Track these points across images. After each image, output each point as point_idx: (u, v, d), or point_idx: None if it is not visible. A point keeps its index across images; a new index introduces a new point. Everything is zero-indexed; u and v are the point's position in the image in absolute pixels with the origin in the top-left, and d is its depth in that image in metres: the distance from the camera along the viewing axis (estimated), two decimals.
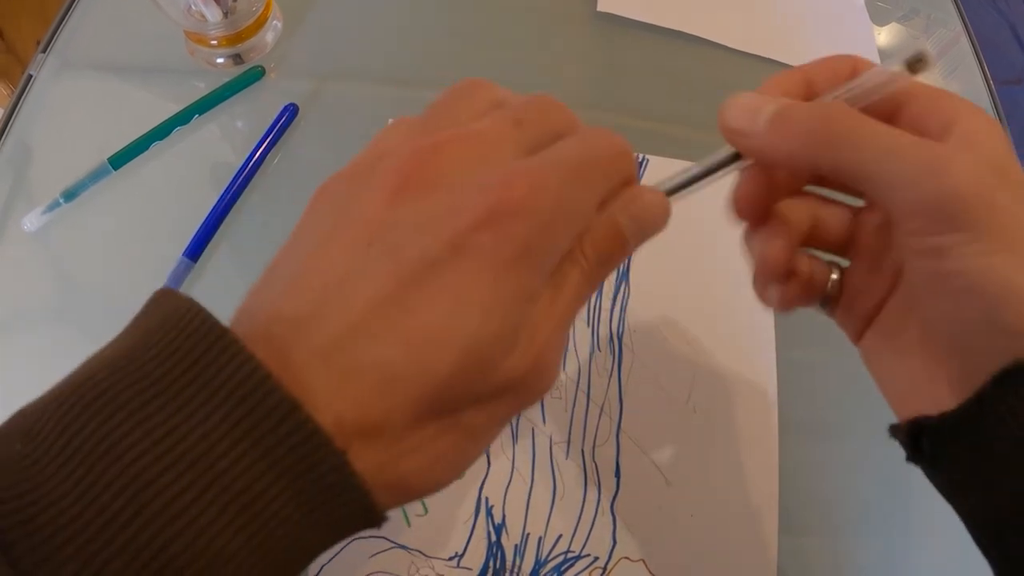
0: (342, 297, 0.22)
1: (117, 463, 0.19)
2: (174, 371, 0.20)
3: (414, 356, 0.22)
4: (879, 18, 0.68)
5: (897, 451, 0.29)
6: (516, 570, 0.43)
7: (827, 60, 0.32)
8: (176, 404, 0.20)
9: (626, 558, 0.43)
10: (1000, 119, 0.64)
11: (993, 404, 0.25)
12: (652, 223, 0.29)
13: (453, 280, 0.22)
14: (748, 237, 0.34)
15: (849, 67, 0.31)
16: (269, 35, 0.58)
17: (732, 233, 0.51)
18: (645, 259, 0.51)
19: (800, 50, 0.63)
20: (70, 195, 0.51)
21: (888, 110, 0.29)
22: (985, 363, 0.25)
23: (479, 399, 0.24)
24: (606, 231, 0.27)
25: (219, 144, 0.55)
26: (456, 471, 0.25)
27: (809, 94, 0.32)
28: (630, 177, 0.29)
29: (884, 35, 0.68)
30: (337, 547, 0.27)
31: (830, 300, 0.34)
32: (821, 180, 0.34)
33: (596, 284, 0.28)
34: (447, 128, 0.26)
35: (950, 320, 0.27)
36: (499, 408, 0.25)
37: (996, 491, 0.26)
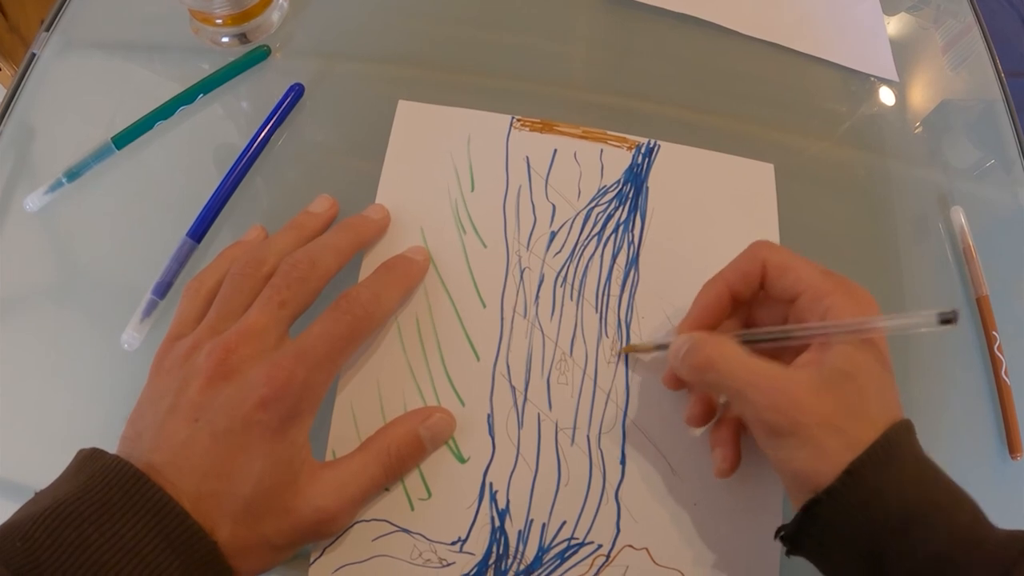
0: (186, 455, 0.37)
1: (85, 553, 0.32)
2: (117, 499, 0.33)
3: (228, 487, 0.36)
4: (889, 7, 0.68)
5: None
6: (519, 556, 0.43)
7: (739, 263, 0.44)
8: (120, 520, 0.33)
9: (630, 546, 0.43)
10: (1011, 112, 0.64)
11: (803, 531, 0.38)
12: (442, 434, 0.45)
13: (247, 442, 0.37)
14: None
15: (759, 269, 0.42)
16: (275, 14, 0.57)
17: (740, 224, 0.52)
18: (654, 247, 0.51)
19: (810, 37, 0.63)
20: (73, 175, 0.51)
21: (790, 297, 0.41)
22: (798, 495, 0.38)
23: (275, 515, 0.38)
24: (408, 439, 0.43)
25: (224, 124, 0.54)
26: (275, 554, 0.39)
27: (733, 295, 0.44)
28: (367, 332, 0.44)
29: (894, 23, 0.67)
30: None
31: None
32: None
33: (392, 477, 0.43)
34: (233, 323, 0.41)
35: (776, 469, 0.40)
36: (285, 525, 0.38)
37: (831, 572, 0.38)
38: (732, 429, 0.44)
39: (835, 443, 0.36)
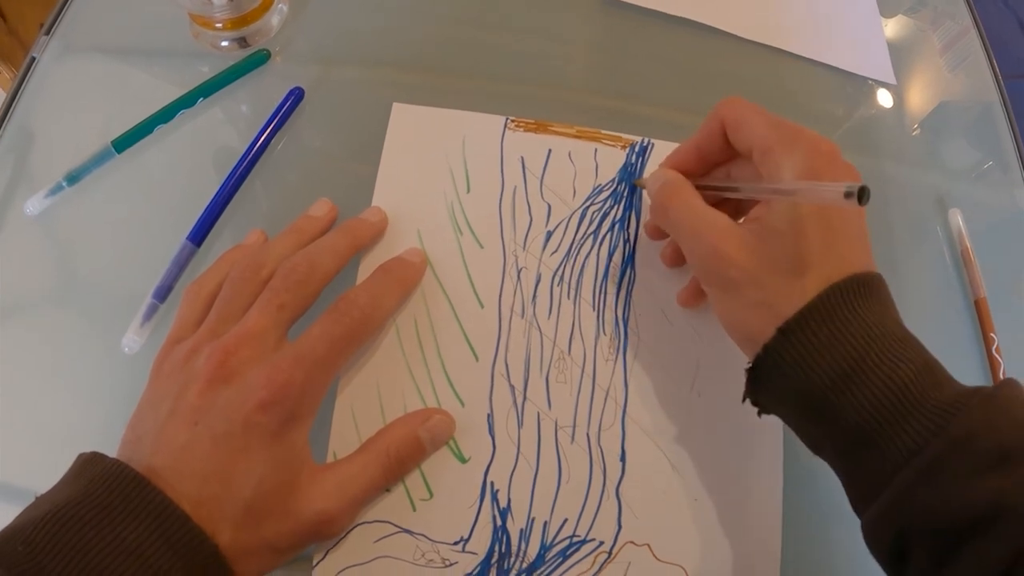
0: (187, 459, 0.36)
1: (87, 556, 0.31)
2: (118, 503, 0.33)
3: (228, 490, 0.36)
4: (887, 9, 0.68)
5: None
6: (521, 554, 0.43)
7: (702, 129, 0.45)
8: (121, 523, 0.33)
9: (631, 542, 0.43)
10: (1008, 114, 0.64)
11: (756, 390, 0.39)
12: (442, 436, 0.45)
13: (246, 445, 0.37)
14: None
15: (719, 127, 0.43)
16: (275, 18, 0.57)
17: None
18: (650, 244, 0.51)
19: (807, 40, 0.63)
20: (73, 178, 0.51)
21: (747, 152, 0.42)
22: (750, 354, 0.39)
23: (275, 517, 0.38)
24: (408, 440, 0.43)
25: (224, 128, 0.55)
26: (277, 556, 0.39)
27: (701, 153, 0.45)
28: (366, 334, 0.44)
29: (891, 26, 0.67)
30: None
31: None
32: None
33: (392, 478, 0.43)
34: (232, 326, 0.41)
35: (726, 329, 0.42)
36: (286, 528, 0.38)
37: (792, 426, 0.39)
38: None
39: (774, 297, 0.38)
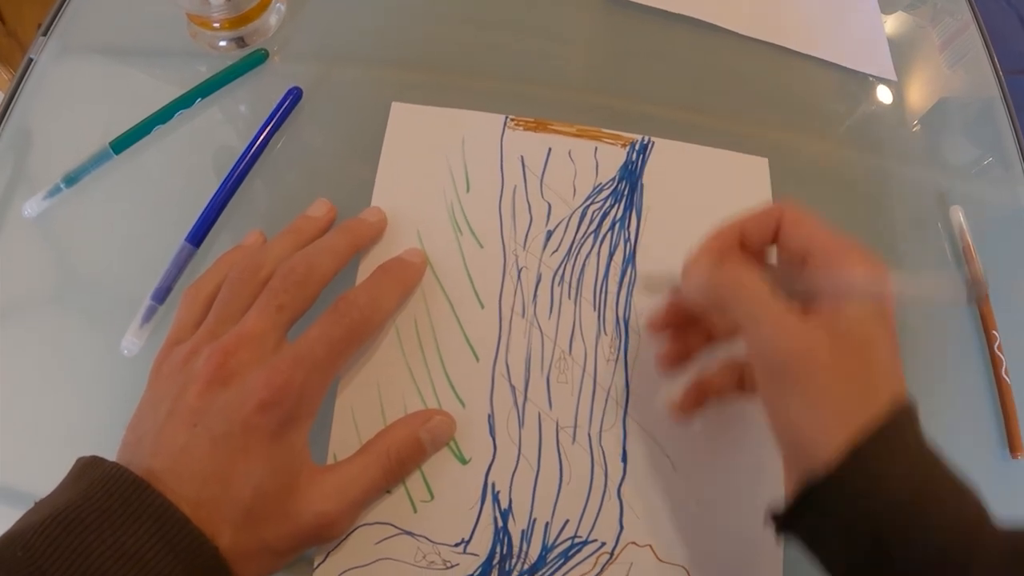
0: (186, 460, 0.36)
1: (87, 560, 0.31)
2: (117, 506, 0.33)
3: (227, 492, 0.36)
4: (887, 5, 0.68)
5: None
6: (523, 555, 0.42)
7: (757, 215, 0.41)
8: (121, 527, 0.33)
9: (633, 543, 0.43)
10: (1009, 110, 0.64)
11: (797, 521, 0.36)
12: (443, 437, 0.45)
13: (246, 446, 0.37)
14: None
15: (774, 221, 0.40)
16: (272, 18, 0.57)
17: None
18: (650, 243, 0.51)
19: (808, 37, 0.63)
20: (71, 180, 0.50)
21: (802, 251, 0.38)
22: (795, 464, 0.36)
23: (275, 520, 0.37)
24: (409, 441, 0.43)
25: (222, 128, 0.54)
26: (277, 559, 0.38)
27: (744, 237, 0.41)
28: (365, 335, 0.44)
29: (891, 22, 0.67)
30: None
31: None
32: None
33: (392, 480, 0.43)
34: (231, 327, 0.41)
35: (775, 429, 0.38)
36: (285, 530, 0.38)
37: (827, 562, 0.36)
38: (702, 392, 0.45)
39: (841, 402, 0.34)
